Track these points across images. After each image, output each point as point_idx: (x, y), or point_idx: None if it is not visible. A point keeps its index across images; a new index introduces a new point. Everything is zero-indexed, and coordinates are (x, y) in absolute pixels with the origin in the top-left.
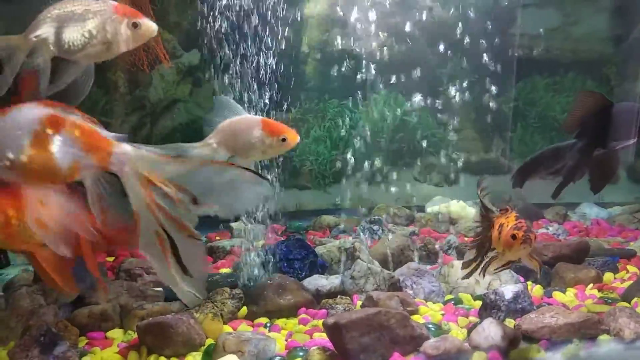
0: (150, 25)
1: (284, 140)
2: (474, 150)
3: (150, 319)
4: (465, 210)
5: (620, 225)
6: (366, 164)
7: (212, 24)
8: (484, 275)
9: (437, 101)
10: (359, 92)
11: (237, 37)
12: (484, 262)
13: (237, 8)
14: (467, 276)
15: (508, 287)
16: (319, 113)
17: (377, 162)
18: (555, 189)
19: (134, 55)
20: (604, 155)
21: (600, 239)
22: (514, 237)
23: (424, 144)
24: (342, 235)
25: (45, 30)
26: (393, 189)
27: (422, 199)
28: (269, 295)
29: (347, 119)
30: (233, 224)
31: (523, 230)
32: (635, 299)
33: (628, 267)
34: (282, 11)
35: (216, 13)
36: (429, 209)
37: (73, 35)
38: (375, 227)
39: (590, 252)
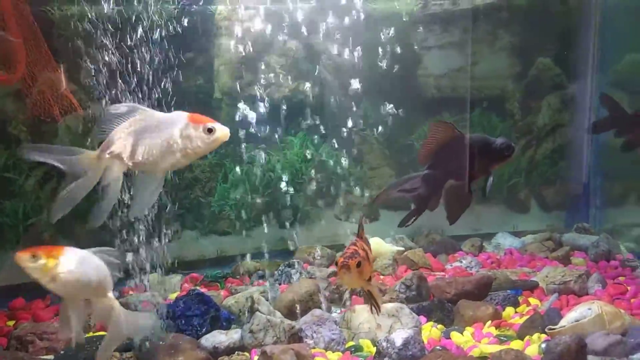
0: (223, 129)
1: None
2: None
3: None
4: (382, 246)
5: (530, 255)
6: (287, 205)
7: (119, 74)
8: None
9: (353, 141)
10: (275, 135)
11: (146, 86)
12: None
13: (143, 56)
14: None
15: (399, 333)
16: (236, 157)
17: (298, 203)
18: (404, 217)
19: (40, 105)
20: (457, 187)
21: (509, 270)
22: (336, 264)
23: (343, 183)
24: (261, 281)
25: (119, 146)
26: (315, 230)
27: (344, 237)
28: (159, 358)
29: (265, 162)
30: (149, 276)
31: (343, 257)
32: (527, 337)
33: (530, 299)
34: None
35: (126, 65)
36: None
37: (149, 148)
38: (293, 271)
39: (496, 285)
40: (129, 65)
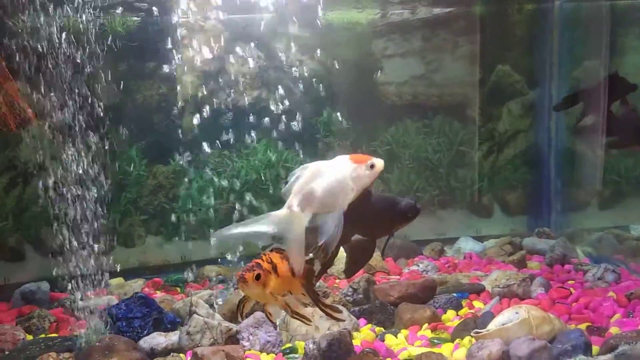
0: (380, 162)
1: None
2: None
3: None
4: (340, 251)
5: (489, 259)
6: (250, 212)
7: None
8: (242, 318)
9: (316, 147)
10: (238, 141)
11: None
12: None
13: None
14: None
15: (326, 334)
16: (200, 164)
17: (262, 209)
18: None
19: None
20: (362, 242)
21: (462, 274)
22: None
23: None
24: (220, 285)
25: (300, 198)
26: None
27: None
28: (94, 358)
29: (229, 168)
30: (111, 280)
31: (242, 271)
32: (457, 340)
33: (474, 302)
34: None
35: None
36: None
37: (327, 194)
38: None
39: (445, 288)
40: (90, 75)
